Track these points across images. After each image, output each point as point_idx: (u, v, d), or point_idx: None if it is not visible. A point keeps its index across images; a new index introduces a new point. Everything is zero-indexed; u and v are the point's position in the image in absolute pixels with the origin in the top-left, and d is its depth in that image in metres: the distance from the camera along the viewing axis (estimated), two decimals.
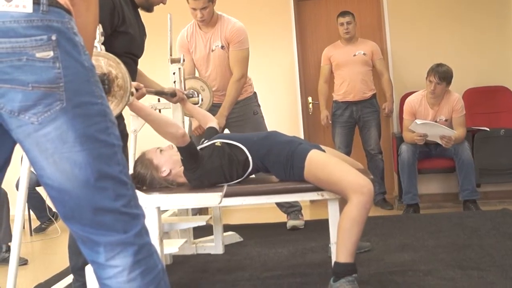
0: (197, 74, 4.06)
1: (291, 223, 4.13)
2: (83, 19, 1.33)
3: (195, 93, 3.58)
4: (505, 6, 5.40)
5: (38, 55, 1.12)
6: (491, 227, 3.66)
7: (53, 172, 1.18)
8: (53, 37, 1.14)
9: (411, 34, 5.51)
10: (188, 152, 2.57)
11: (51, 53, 1.14)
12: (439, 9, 5.47)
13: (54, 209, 5.03)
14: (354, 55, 5.05)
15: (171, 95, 3.10)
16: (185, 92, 3.31)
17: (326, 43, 5.36)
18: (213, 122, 3.08)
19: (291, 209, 4.19)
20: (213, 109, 3.88)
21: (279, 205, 4.25)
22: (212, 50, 3.98)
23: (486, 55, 5.40)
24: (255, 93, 4.22)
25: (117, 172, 1.24)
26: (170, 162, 2.69)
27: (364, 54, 5.05)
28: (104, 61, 2.10)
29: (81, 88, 1.19)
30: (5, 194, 4.02)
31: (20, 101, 1.13)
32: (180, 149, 2.56)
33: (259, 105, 4.21)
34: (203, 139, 2.84)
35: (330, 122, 5.18)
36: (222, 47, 3.96)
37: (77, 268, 2.60)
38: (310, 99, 5.85)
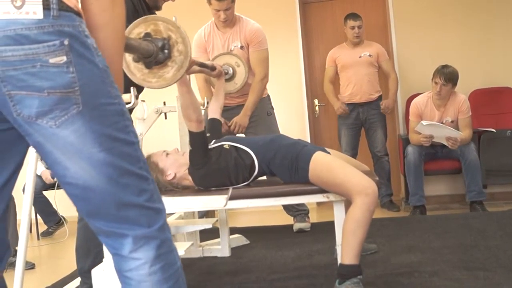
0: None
1: (297, 225, 4.14)
2: (108, 17, 1.32)
3: (230, 69, 3.55)
4: (511, 7, 5.39)
5: (51, 60, 1.13)
6: (497, 228, 3.65)
7: (77, 170, 1.20)
8: (66, 42, 1.14)
9: (417, 36, 5.51)
10: (199, 141, 2.61)
11: (64, 58, 1.14)
12: (444, 10, 5.47)
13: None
14: (360, 57, 5.05)
15: (211, 69, 3.12)
16: (222, 68, 3.34)
17: (332, 46, 5.36)
18: (217, 114, 3.11)
19: (298, 212, 4.20)
20: (234, 111, 3.94)
21: (286, 208, 4.26)
22: (231, 50, 3.99)
23: (492, 56, 5.39)
24: (268, 95, 4.24)
25: (138, 168, 1.27)
26: (175, 166, 2.71)
27: (369, 55, 5.05)
28: (163, 26, 2.03)
29: (96, 90, 1.20)
30: (12, 198, 4.04)
31: (37, 107, 1.14)
32: (192, 135, 2.60)
33: (272, 107, 4.23)
34: (208, 134, 2.85)
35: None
36: (242, 47, 3.97)
37: (84, 270, 2.62)
38: (316, 101, 5.86)
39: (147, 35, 2.02)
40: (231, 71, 3.56)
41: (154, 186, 1.32)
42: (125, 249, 1.26)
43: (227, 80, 3.53)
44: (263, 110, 4.11)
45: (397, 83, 5.15)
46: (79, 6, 1.24)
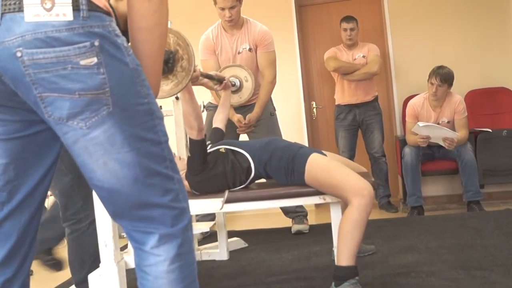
0: None
1: (296, 227, 4.15)
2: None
3: (237, 81, 3.53)
4: (507, 8, 5.42)
5: (82, 62, 1.14)
6: (494, 228, 3.67)
7: (103, 173, 1.21)
8: (96, 43, 1.15)
9: (413, 38, 5.53)
10: (198, 148, 2.61)
11: (95, 59, 1.15)
12: (440, 12, 5.49)
13: None
14: (355, 59, 5.07)
15: (218, 81, 3.12)
16: (229, 80, 3.34)
17: (328, 48, 5.36)
18: (222, 124, 3.11)
19: (296, 214, 4.22)
20: (242, 111, 3.95)
21: (284, 210, 4.27)
22: (239, 53, 4.00)
23: (488, 57, 5.41)
24: (271, 97, 4.24)
25: (164, 168, 1.27)
26: None
27: (363, 56, 5.06)
28: (173, 39, 2.02)
29: (127, 90, 1.20)
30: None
31: (68, 109, 1.15)
32: (192, 142, 2.60)
33: (274, 108, 4.25)
34: (208, 141, 2.86)
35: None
36: (250, 49, 4.00)
37: (80, 281, 2.60)
38: (313, 104, 5.87)
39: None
40: (238, 83, 3.54)
41: (180, 185, 1.32)
42: (147, 245, 1.28)
43: (233, 92, 3.50)
44: (267, 111, 4.13)
45: (372, 73, 5.03)
46: (108, 5, 1.23)
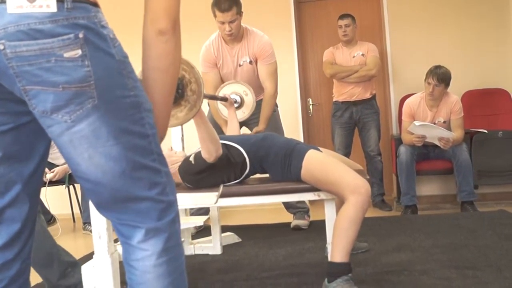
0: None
1: (295, 222, 4.17)
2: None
3: (238, 97, 3.56)
4: (506, 10, 5.42)
5: (66, 55, 1.12)
6: (487, 228, 3.68)
7: (88, 167, 1.20)
8: (80, 35, 1.12)
9: (411, 37, 5.53)
10: (207, 166, 2.57)
11: (79, 52, 1.12)
12: (438, 12, 5.49)
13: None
14: (353, 57, 5.07)
15: (222, 100, 3.14)
16: (231, 97, 3.37)
17: (326, 45, 5.38)
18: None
19: (298, 209, 4.23)
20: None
21: (286, 206, 4.28)
22: (240, 65, 3.99)
23: (485, 58, 5.41)
24: None
25: (151, 161, 1.26)
26: (168, 162, 2.70)
27: (362, 55, 5.06)
28: None
29: (112, 82, 1.18)
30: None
31: (52, 102, 1.13)
32: (203, 160, 2.54)
33: (277, 105, 4.25)
34: None
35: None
36: (250, 62, 3.99)
37: (53, 284, 2.54)
38: (310, 101, 5.87)
39: None
40: (239, 99, 3.56)
41: (168, 178, 1.31)
42: (134, 239, 1.27)
43: (236, 108, 3.52)
44: None
45: (371, 75, 5.03)
46: None
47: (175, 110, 2.02)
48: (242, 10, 3.86)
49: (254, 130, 3.94)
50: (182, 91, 1.99)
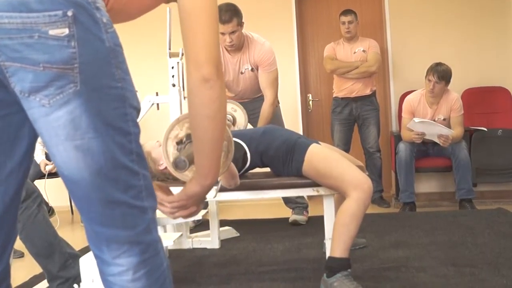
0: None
1: (293, 217, 4.18)
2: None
3: (230, 116, 3.54)
4: (507, 8, 5.41)
5: (51, 32, 1.02)
6: (485, 226, 3.69)
7: (63, 160, 1.10)
8: (69, 13, 1.03)
9: (412, 34, 5.52)
10: None
11: (66, 31, 1.03)
12: (440, 8, 5.48)
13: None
14: (354, 53, 5.05)
15: None
16: None
17: (327, 41, 5.36)
18: None
19: (296, 205, 4.24)
20: (246, 104, 3.91)
21: (286, 200, 4.29)
22: (242, 73, 4.00)
23: (486, 56, 5.41)
24: None
25: (129, 161, 1.15)
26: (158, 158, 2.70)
27: (363, 51, 5.05)
28: None
29: (99, 70, 1.08)
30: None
31: (30, 82, 1.04)
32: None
33: (278, 101, 4.25)
34: None
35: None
36: (252, 69, 3.99)
37: (53, 275, 2.55)
38: (310, 96, 5.87)
39: (188, 137, 1.82)
40: (230, 118, 3.56)
41: (146, 182, 1.20)
42: (106, 255, 1.18)
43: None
44: None
45: (370, 73, 5.04)
46: None
47: None
48: (244, 21, 3.86)
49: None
50: None
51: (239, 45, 3.93)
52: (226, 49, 3.96)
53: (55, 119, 1.06)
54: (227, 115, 3.51)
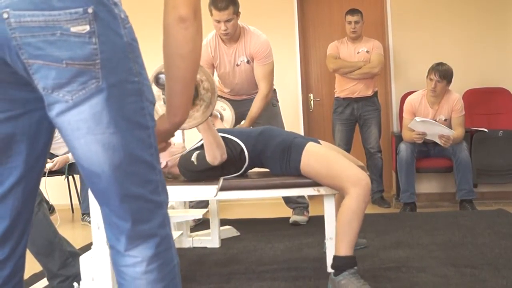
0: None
1: (294, 218, 4.17)
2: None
3: (218, 113, 3.53)
4: (508, 8, 5.41)
5: (73, 29, 1.05)
6: (486, 227, 3.69)
7: (84, 153, 1.13)
8: (90, 10, 1.06)
9: (413, 34, 5.52)
10: (209, 167, 2.57)
11: (87, 27, 1.06)
12: (441, 8, 5.48)
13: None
14: (358, 53, 5.04)
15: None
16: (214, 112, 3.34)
17: (329, 40, 5.35)
18: None
19: (297, 204, 4.23)
20: (236, 105, 3.89)
21: (286, 200, 4.28)
22: (237, 65, 3.97)
23: (487, 56, 5.41)
24: (274, 88, 4.22)
25: (149, 155, 1.19)
26: (167, 154, 2.71)
27: (367, 51, 5.04)
28: None
29: (118, 65, 1.12)
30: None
31: (53, 78, 1.07)
32: (207, 163, 2.54)
33: (277, 100, 4.25)
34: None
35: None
36: (248, 61, 3.97)
37: (58, 267, 2.55)
38: (311, 96, 5.87)
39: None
40: (218, 115, 3.55)
41: (161, 177, 1.25)
42: (121, 246, 1.21)
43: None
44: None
45: (371, 74, 5.02)
46: None
47: (191, 111, 1.99)
48: (240, 11, 3.84)
49: (237, 127, 3.93)
50: (196, 92, 1.97)
51: (235, 36, 3.90)
52: (222, 40, 3.94)
53: (77, 113, 1.09)
54: (215, 111, 3.51)
